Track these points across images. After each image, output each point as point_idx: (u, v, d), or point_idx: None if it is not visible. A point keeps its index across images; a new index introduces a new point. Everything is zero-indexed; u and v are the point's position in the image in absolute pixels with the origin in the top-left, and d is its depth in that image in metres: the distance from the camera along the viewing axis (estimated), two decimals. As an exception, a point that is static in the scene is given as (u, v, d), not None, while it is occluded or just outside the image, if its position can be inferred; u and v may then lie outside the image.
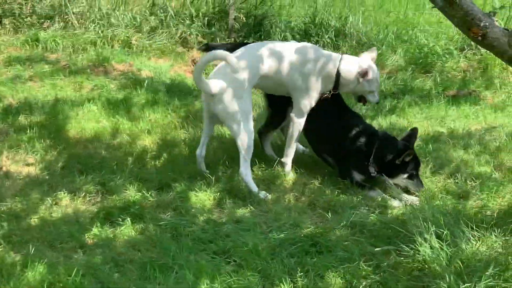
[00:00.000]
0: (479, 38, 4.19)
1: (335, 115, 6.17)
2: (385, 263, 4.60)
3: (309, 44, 6.27)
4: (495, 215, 5.28)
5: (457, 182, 6.02)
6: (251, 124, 5.81)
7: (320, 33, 9.93)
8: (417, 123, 7.48)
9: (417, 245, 4.58)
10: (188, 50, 9.81)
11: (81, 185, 5.68)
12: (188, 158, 6.30)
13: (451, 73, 9.26)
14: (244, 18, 9.94)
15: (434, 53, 9.47)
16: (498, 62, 9.28)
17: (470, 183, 5.98)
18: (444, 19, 9.95)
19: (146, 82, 8.31)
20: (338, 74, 5.98)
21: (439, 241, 4.58)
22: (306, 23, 10.10)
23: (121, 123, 7.06)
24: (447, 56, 9.47)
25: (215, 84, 5.66)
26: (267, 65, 5.82)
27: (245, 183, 5.74)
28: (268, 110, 6.53)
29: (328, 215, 5.33)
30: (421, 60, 9.37)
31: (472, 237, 4.74)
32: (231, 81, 5.67)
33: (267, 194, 5.70)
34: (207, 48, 6.25)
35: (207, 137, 6.10)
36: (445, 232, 4.61)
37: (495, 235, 4.77)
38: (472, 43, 9.55)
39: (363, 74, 6.01)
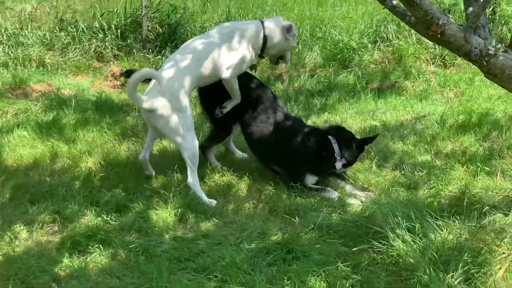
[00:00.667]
0: (438, 35, 4.33)
1: (278, 124, 6.23)
2: (363, 262, 4.69)
3: (226, 23, 6.42)
4: (449, 203, 5.48)
5: (404, 174, 6.19)
6: (193, 134, 5.85)
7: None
8: (350, 118, 7.66)
9: (390, 240, 4.70)
10: (105, 64, 9.60)
11: (35, 215, 5.47)
12: (137, 176, 6.21)
13: (369, 66, 9.48)
14: (159, 28, 9.81)
15: (350, 47, 9.69)
16: (411, 52, 9.62)
17: (418, 173, 6.17)
18: (354, 14, 10.29)
19: (73, 101, 8.07)
20: (265, 37, 6.13)
21: (411, 234, 4.70)
22: (221, 28, 10.07)
23: (57, 147, 6.86)
24: (362, 50, 9.70)
25: (152, 101, 5.67)
26: (200, 66, 5.87)
27: (194, 192, 5.79)
28: (211, 126, 6.51)
29: (295, 219, 5.37)
30: (339, 56, 9.54)
31: (437, 227, 4.90)
32: (167, 95, 5.68)
33: (214, 201, 5.78)
34: (130, 74, 6.13)
35: (151, 142, 6.21)
36: (416, 225, 4.73)
37: (458, 222, 4.94)
38: (386, 35, 9.87)
39: (288, 29, 6.16)
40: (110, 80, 9.24)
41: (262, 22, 6.20)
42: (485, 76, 4.79)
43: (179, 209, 5.57)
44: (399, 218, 4.83)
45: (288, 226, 5.42)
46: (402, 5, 4.50)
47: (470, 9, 4.40)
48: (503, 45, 4.47)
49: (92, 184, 6.06)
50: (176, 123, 5.74)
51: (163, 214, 5.50)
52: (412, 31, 9.95)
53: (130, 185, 6.02)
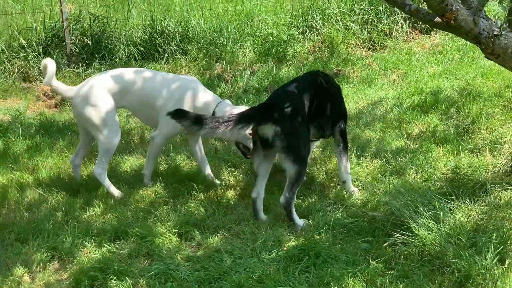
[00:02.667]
0: (452, 21, 4.36)
1: None
2: (393, 256, 4.67)
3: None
4: (446, 184, 5.55)
5: (388, 161, 6.22)
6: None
7: (166, 41, 9.69)
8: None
9: (413, 230, 4.71)
10: (32, 84, 9.10)
11: (30, 255, 5.10)
12: (121, 198, 5.92)
13: (303, 56, 9.48)
14: (86, 39, 9.41)
15: (280, 40, 9.63)
16: (340, 39, 9.69)
17: (401, 159, 6.21)
18: (279, 7, 10.26)
19: (18, 127, 7.61)
20: None
21: (433, 221, 4.73)
22: (149, 34, 9.79)
23: (21, 177, 6.43)
24: (294, 41, 9.68)
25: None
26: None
27: (100, 182, 5.96)
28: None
29: (309, 221, 5.27)
30: (273, 50, 9.47)
31: (450, 210, 4.95)
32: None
33: (121, 194, 5.90)
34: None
35: (83, 148, 6.38)
36: (440, 212, 4.75)
37: (466, 203, 5.01)
38: (313, 24, 9.90)
39: None
40: (44, 100, 8.78)
41: None
42: (486, 57, 4.87)
43: (182, 227, 5.36)
44: (419, 206, 4.82)
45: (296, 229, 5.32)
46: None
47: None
48: (506, 25, 4.54)
49: (75, 214, 5.71)
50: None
51: (167, 235, 5.27)
52: (339, 18, 10.04)
53: (118, 209, 5.72)
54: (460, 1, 4.48)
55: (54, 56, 9.28)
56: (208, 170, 6.29)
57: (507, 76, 7.85)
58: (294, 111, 5.33)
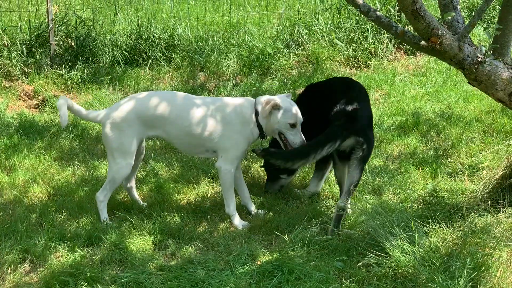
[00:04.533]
0: (437, 46, 4.38)
1: None
2: (366, 277, 4.67)
3: None
4: (422, 207, 5.57)
5: (366, 181, 6.23)
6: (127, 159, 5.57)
7: (151, 48, 9.66)
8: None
9: (387, 251, 4.71)
10: (14, 83, 9.01)
11: (1, 256, 5.04)
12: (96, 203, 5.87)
13: (287, 70, 9.49)
14: (71, 41, 9.35)
15: (266, 53, 9.64)
16: (325, 55, 9.72)
17: (379, 179, 6.22)
18: (266, 20, 10.27)
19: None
20: None
21: (407, 243, 4.73)
22: (134, 39, 9.76)
23: (-5, 178, 6.37)
24: (279, 55, 9.69)
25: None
26: None
27: (98, 208, 5.62)
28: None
29: (282, 237, 5.26)
30: (258, 62, 9.47)
31: (425, 233, 4.96)
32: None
33: (107, 220, 5.61)
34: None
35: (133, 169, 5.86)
36: (416, 235, 4.76)
37: (442, 227, 5.02)
38: (299, 39, 9.93)
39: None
40: (24, 100, 8.71)
41: None
42: (469, 83, 4.90)
43: (157, 236, 5.32)
44: (395, 227, 4.83)
45: (271, 244, 5.31)
46: (386, 16, 4.51)
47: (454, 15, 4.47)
48: (491, 52, 4.57)
49: (49, 216, 5.65)
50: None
51: (140, 243, 5.24)
52: (325, 34, 10.06)
53: (93, 214, 5.67)
54: (446, 26, 4.50)
55: (38, 56, 9.19)
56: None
57: (488, 102, 7.90)
58: (369, 119, 5.47)
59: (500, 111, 7.58)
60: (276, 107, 5.47)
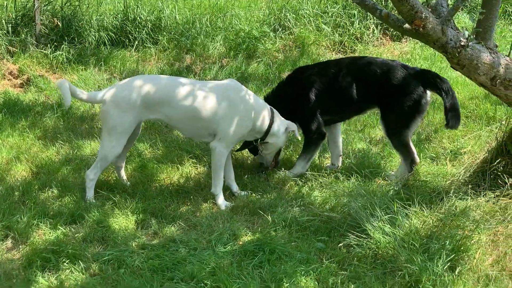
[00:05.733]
0: (420, 29, 4.40)
1: None
2: (347, 257, 4.71)
3: None
4: (402, 189, 5.60)
5: (349, 164, 6.26)
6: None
7: (137, 29, 9.63)
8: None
9: (368, 232, 4.75)
10: (-1, 61, 8.97)
11: (-16, 232, 5.05)
12: (80, 181, 5.88)
13: (273, 54, 9.49)
14: (57, 22, 9.29)
15: (252, 37, 9.62)
16: (312, 40, 9.71)
17: (362, 162, 6.26)
18: (253, 3, 10.25)
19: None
20: None
21: (388, 225, 4.77)
22: (120, 20, 9.72)
23: (-21, 155, 6.36)
24: (265, 38, 9.68)
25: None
26: None
27: (86, 185, 5.64)
28: None
29: (265, 217, 5.29)
30: (244, 46, 9.46)
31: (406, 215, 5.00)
32: None
33: (92, 199, 5.62)
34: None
35: (125, 149, 5.85)
36: (397, 217, 4.80)
37: (422, 210, 5.06)
38: (285, 23, 9.92)
39: None
40: (9, 79, 8.66)
41: None
42: (452, 67, 4.93)
43: (140, 215, 5.34)
44: (377, 209, 4.87)
45: (254, 225, 5.34)
46: None
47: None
48: (474, 36, 4.60)
49: (32, 194, 5.65)
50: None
51: (123, 222, 5.26)
52: (311, 18, 10.06)
53: (76, 193, 5.68)
54: (430, 10, 4.52)
55: (23, 36, 9.14)
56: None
57: (472, 88, 7.94)
58: None
59: (484, 98, 7.62)
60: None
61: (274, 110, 5.92)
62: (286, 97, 6.20)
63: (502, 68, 4.81)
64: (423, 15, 4.37)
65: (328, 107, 6.11)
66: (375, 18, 9.97)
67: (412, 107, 5.84)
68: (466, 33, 4.59)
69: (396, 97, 5.87)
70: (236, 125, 5.61)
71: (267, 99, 6.23)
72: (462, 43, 4.60)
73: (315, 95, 6.06)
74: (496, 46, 4.87)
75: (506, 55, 4.93)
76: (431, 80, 5.83)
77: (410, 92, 5.82)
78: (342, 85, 6.04)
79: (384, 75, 5.92)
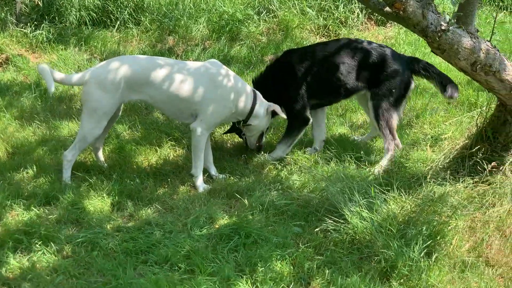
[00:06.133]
0: (401, 12, 4.35)
1: None
2: (324, 242, 4.66)
3: None
4: (382, 174, 5.57)
5: (329, 148, 6.21)
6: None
7: (120, 9, 9.51)
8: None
9: (346, 217, 4.71)
10: (-20, 40, 8.84)
11: (-44, 212, 4.97)
12: (57, 163, 5.80)
13: (256, 37, 9.40)
14: (38, 0, 9.15)
15: (236, 19, 9.53)
16: (296, 23, 9.64)
17: (342, 147, 6.20)
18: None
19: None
20: None
21: (366, 210, 4.73)
22: (102, 0, 9.59)
23: (-46, 134, 6.26)
24: (248, 21, 9.59)
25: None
26: None
27: (63, 165, 5.56)
28: None
29: (242, 201, 5.24)
30: (227, 28, 9.37)
31: (384, 200, 4.97)
32: None
33: (69, 180, 5.54)
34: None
35: (104, 131, 5.80)
36: (375, 202, 4.77)
37: (401, 195, 5.03)
38: (270, 6, 9.83)
39: None
40: (-11, 58, 8.56)
41: None
42: (432, 51, 4.88)
43: (116, 197, 5.28)
44: (355, 194, 4.82)
45: (231, 208, 5.28)
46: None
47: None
48: (455, 20, 4.55)
49: (8, 175, 5.58)
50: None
51: (98, 203, 5.20)
52: (296, 2, 9.97)
53: (51, 174, 5.60)
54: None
55: (3, 14, 9.00)
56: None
57: (455, 74, 7.88)
58: None
59: (466, 84, 7.59)
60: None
61: (257, 92, 5.86)
62: (274, 80, 6.14)
63: (483, 53, 4.76)
64: (403, -2, 4.31)
65: (316, 90, 6.11)
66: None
67: (401, 91, 6.00)
68: (447, 17, 4.53)
69: (387, 81, 5.94)
70: (217, 106, 5.54)
71: (256, 82, 6.20)
72: (443, 27, 4.54)
73: (303, 79, 6.04)
74: (477, 31, 4.81)
75: (487, 40, 4.87)
76: (421, 66, 6.06)
77: (401, 75, 5.98)
78: (331, 68, 6.05)
79: (375, 58, 6.02)
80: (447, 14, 4.53)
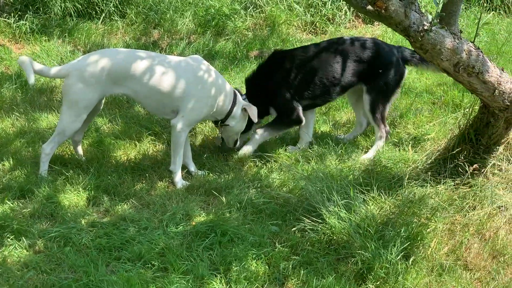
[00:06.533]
0: (382, 11, 4.28)
1: None
2: (300, 242, 4.60)
3: None
4: (364, 175, 5.51)
5: (311, 146, 6.15)
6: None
7: (105, 1, 9.41)
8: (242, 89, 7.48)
9: (324, 217, 4.65)
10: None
11: None
12: (34, 156, 5.72)
13: (242, 32, 9.32)
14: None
15: (222, 14, 9.45)
16: (283, 19, 9.56)
17: (324, 146, 6.13)
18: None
19: None
20: None
21: (344, 210, 4.67)
22: (88, -9, 9.50)
23: None
24: (235, 16, 9.51)
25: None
26: None
27: (40, 158, 5.45)
28: None
29: (220, 198, 5.17)
30: (213, 22, 9.29)
31: (363, 200, 4.91)
32: None
33: (45, 173, 5.43)
34: None
35: (84, 124, 5.69)
36: (354, 202, 4.71)
37: (380, 196, 4.97)
38: (257, 1, 9.74)
39: None
40: (-31, 48, 8.44)
41: None
42: (415, 51, 4.82)
43: (92, 191, 5.20)
44: (334, 194, 4.76)
45: (209, 205, 5.22)
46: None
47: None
48: (437, 20, 4.49)
49: (-17, 167, 5.49)
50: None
51: (74, 198, 5.12)
52: (283, -3, 9.89)
53: (28, 167, 5.51)
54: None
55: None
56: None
57: (441, 74, 7.85)
58: None
59: (452, 84, 7.53)
60: None
61: (237, 93, 5.80)
62: (266, 80, 6.07)
63: (466, 54, 4.71)
64: (386, -4, 4.24)
65: (311, 90, 6.07)
66: (347, -1, 9.85)
67: (395, 82, 6.11)
68: (430, 17, 4.47)
69: (382, 73, 6.03)
70: (198, 102, 5.46)
71: (248, 82, 6.19)
72: (425, 27, 4.48)
73: (295, 79, 6.02)
74: (461, 32, 4.75)
75: (470, 41, 4.82)
76: (410, 53, 6.16)
77: (396, 66, 6.07)
78: (325, 66, 6.06)
79: (369, 52, 6.07)
80: (430, 14, 4.46)
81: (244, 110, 5.79)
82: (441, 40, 4.61)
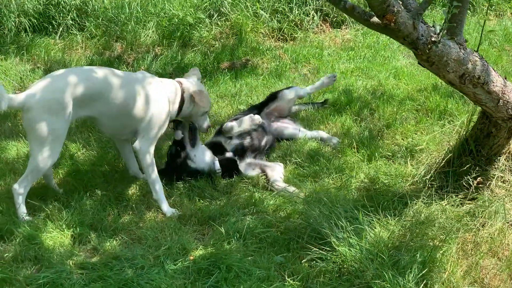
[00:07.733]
0: (392, 24, 4.01)
1: None
2: (310, 273, 4.30)
3: None
4: (362, 194, 5.24)
5: (301, 164, 5.87)
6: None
7: (62, 14, 8.94)
8: (215, 104, 7.16)
9: (333, 245, 4.36)
10: None
11: None
12: (6, 189, 5.29)
13: (209, 42, 8.97)
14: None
15: (186, 23, 9.07)
16: (250, 26, 9.24)
17: (315, 163, 5.85)
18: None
19: None
20: None
21: (355, 237, 4.39)
22: (43, 4, 8.99)
23: None
24: (200, 25, 9.15)
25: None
26: None
27: (15, 200, 4.94)
28: None
29: (218, 228, 4.83)
30: (178, 33, 8.91)
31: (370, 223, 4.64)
32: None
33: (26, 215, 4.96)
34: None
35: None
36: (364, 227, 4.44)
37: (386, 217, 4.71)
38: (221, 9, 9.40)
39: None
40: None
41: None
42: (419, 64, 4.56)
43: (76, 228, 4.79)
44: (342, 219, 4.47)
45: (204, 236, 4.88)
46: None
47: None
48: (445, 31, 4.23)
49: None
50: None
51: (58, 237, 4.71)
52: (248, 3, 9.56)
53: (2, 203, 5.09)
54: (400, 3, 4.13)
55: None
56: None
57: (419, 79, 7.68)
58: None
59: (432, 90, 7.33)
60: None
61: (182, 82, 5.59)
62: None
63: (471, 64, 4.48)
64: (395, 9, 3.96)
65: None
66: (314, 3, 9.59)
67: None
68: (438, 27, 4.20)
69: None
70: (154, 117, 5.21)
71: None
72: (433, 39, 4.21)
73: None
74: (466, 41, 4.51)
75: (474, 51, 4.59)
76: None
77: None
78: None
79: None
80: (438, 24, 4.20)
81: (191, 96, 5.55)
82: (448, 51, 4.38)
